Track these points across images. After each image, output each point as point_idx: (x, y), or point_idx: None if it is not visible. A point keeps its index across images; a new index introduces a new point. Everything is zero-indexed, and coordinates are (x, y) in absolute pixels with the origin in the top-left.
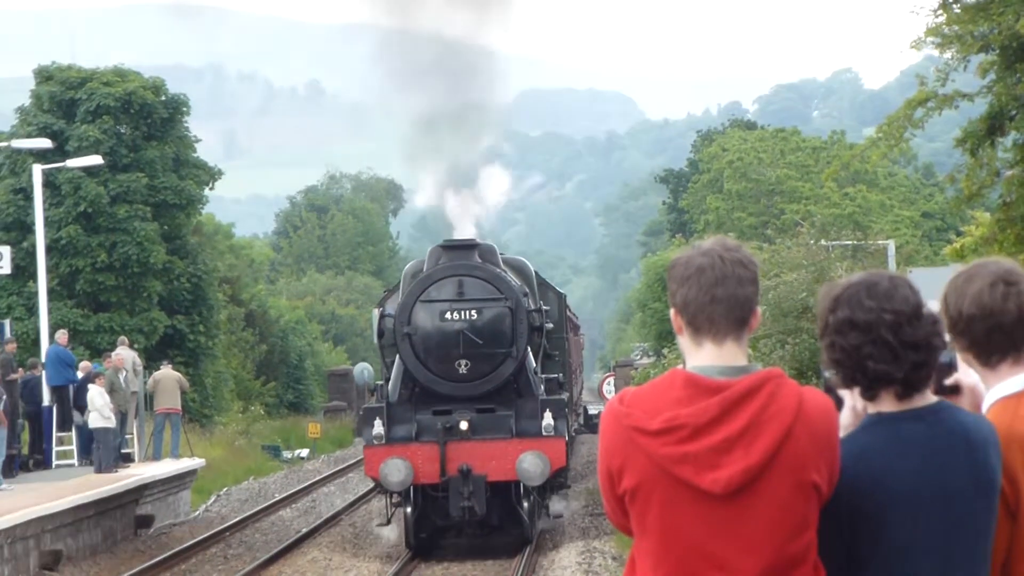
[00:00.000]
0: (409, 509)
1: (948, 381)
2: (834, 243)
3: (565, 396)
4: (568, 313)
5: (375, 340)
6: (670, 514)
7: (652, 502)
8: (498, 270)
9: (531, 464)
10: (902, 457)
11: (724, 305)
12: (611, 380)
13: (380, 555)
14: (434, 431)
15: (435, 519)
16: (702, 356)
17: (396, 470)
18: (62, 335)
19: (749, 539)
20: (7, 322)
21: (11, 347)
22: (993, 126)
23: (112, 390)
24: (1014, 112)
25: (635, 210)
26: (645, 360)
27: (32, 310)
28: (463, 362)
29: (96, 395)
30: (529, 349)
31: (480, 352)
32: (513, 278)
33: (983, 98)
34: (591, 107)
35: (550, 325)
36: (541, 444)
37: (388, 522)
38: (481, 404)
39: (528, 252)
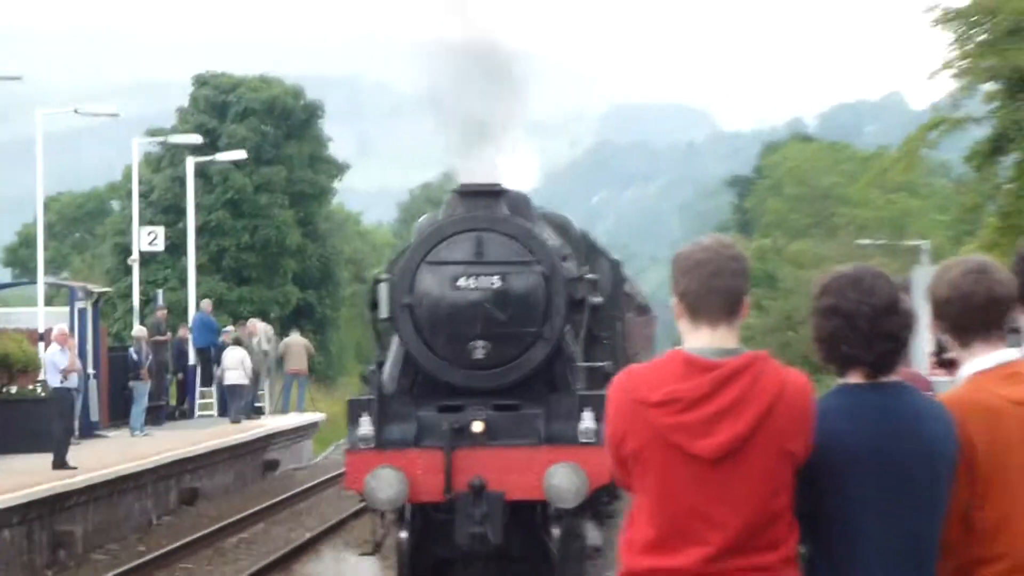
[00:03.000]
0: (404, 534)
1: (948, 355)
2: (869, 242)
3: None
4: (628, 288)
5: (366, 313)
6: (666, 476)
7: (651, 465)
8: (530, 225)
9: (564, 479)
10: (860, 420)
11: (719, 295)
12: None
13: None
14: (439, 433)
15: (437, 549)
16: (699, 339)
17: (387, 483)
18: (207, 304)
19: (734, 498)
20: (160, 292)
21: (162, 313)
22: (997, 146)
23: (248, 352)
24: (1014, 135)
25: (708, 210)
26: None
27: (183, 282)
28: (480, 344)
29: (235, 356)
30: (569, 329)
31: (503, 331)
32: (551, 235)
33: (989, 122)
34: (674, 118)
35: (599, 299)
36: (578, 454)
37: (376, 550)
38: (502, 400)
39: (615, 245)
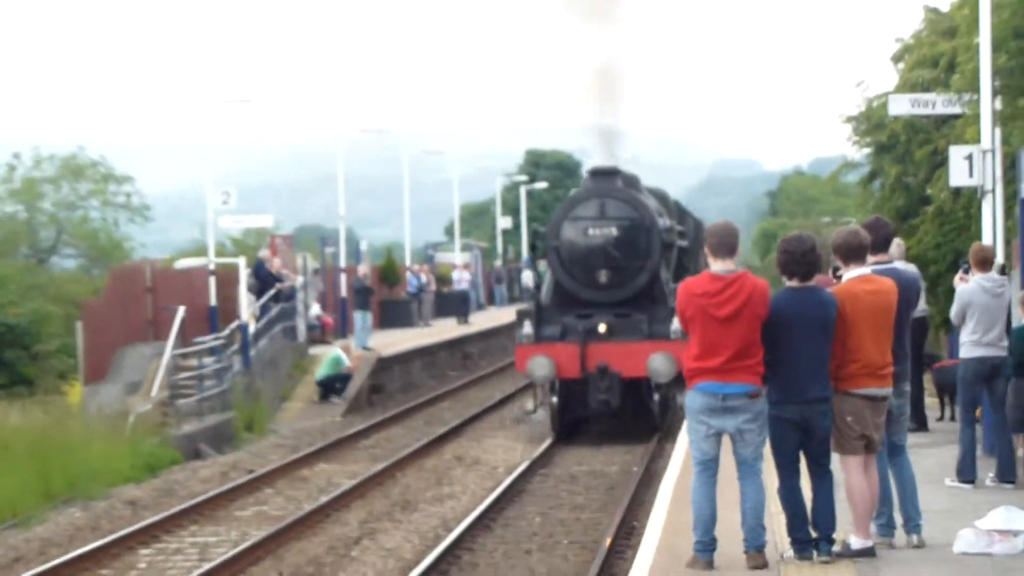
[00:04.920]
0: (555, 399)
1: (839, 274)
2: (827, 220)
3: None
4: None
5: (527, 252)
6: (704, 327)
7: (697, 322)
8: (637, 193)
9: (660, 363)
10: (793, 303)
11: (725, 246)
12: None
13: (531, 437)
14: (576, 332)
15: (576, 409)
16: (717, 265)
17: (541, 366)
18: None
19: (734, 337)
20: (509, 247)
21: (513, 257)
22: (872, 176)
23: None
24: (878, 173)
25: (758, 207)
26: None
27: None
28: (603, 272)
29: (528, 276)
30: (663, 263)
31: (618, 263)
32: (651, 200)
33: (868, 166)
34: (742, 164)
35: (684, 243)
36: (670, 346)
37: (535, 411)
38: (618, 310)
39: (714, 219)
